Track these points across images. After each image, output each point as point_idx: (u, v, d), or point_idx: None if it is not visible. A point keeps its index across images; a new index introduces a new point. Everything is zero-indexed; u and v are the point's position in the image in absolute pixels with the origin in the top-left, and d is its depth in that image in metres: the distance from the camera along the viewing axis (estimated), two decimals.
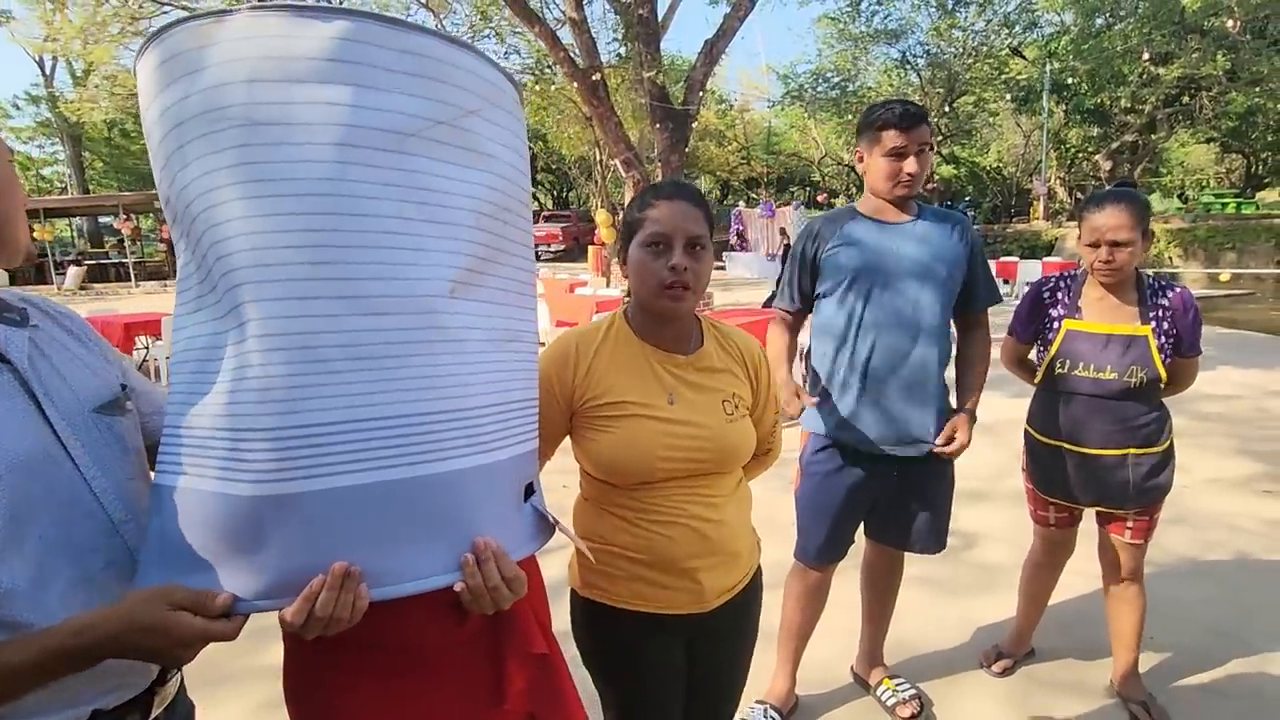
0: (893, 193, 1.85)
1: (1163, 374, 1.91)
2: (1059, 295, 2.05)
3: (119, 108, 12.04)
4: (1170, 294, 1.93)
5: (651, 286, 1.20)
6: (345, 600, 0.74)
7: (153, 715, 0.89)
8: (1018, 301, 2.17)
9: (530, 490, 0.95)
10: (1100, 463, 1.99)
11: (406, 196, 0.79)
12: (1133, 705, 2.11)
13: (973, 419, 1.97)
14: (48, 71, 25.81)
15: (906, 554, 2.17)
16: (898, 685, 2.19)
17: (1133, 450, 1.96)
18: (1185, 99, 20.03)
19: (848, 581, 2.32)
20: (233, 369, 0.74)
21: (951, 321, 1.98)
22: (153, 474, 0.84)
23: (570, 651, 1.17)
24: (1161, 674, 2.29)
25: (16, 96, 27.95)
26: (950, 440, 1.90)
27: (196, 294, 0.81)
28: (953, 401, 2.02)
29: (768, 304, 2.12)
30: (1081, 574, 2.48)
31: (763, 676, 2.17)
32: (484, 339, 0.87)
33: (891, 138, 1.80)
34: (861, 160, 1.91)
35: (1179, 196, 28.47)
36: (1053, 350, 2.01)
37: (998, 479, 4.02)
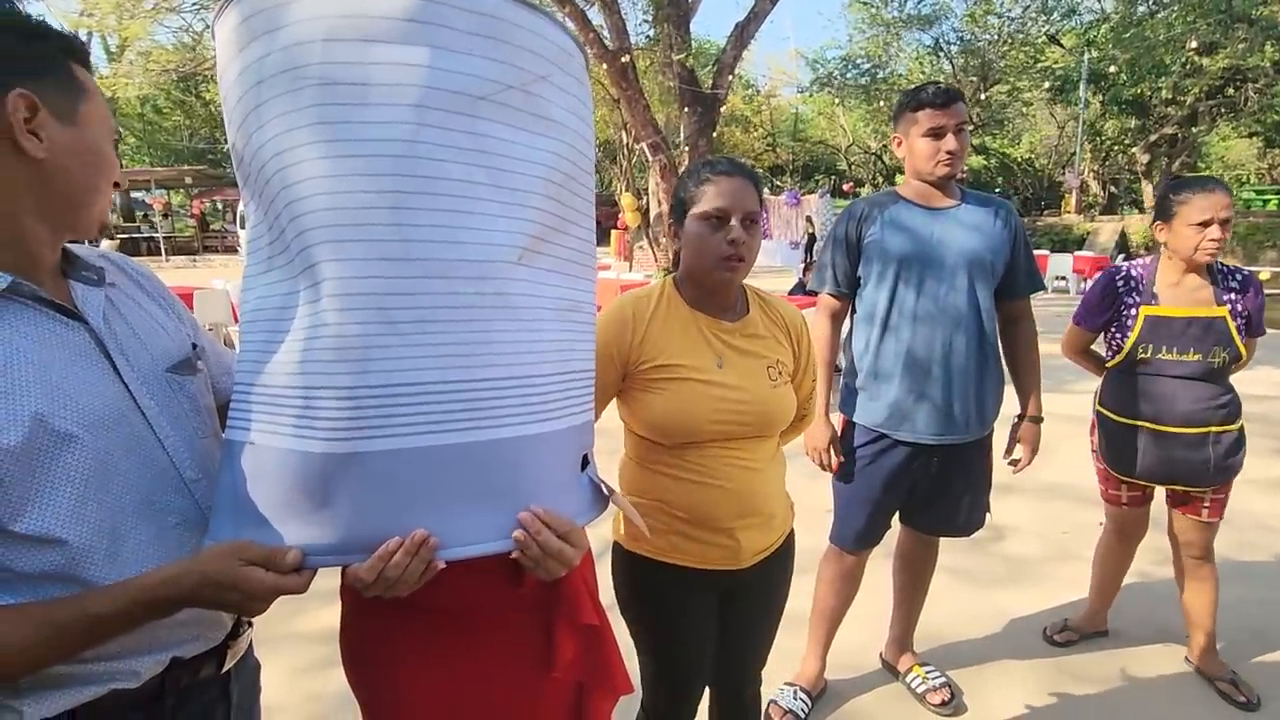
0: (934, 173, 1.83)
1: (1244, 352, 2.02)
2: (1132, 283, 2.13)
3: (153, 83, 12.17)
4: (1239, 277, 2.07)
5: (708, 259, 1.25)
6: (416, 566, 0.75)
7: (226, 667, 0.92)
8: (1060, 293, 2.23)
9: (585, 461, 0.95)
10: (1182, 440, 2.05)
11: (476, 161, 0.78)
12: (1220, 683, 2.14)
13: (1037, 422, 2.00)
14: None
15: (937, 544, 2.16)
16: (928, 673, 2.18)
17: (1214, 428, 2.03)
18: (1229, 91, 19.41)
19: (879, 568, 2.31)
20: (306, 327, 0.75)
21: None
22: (223, 432, 0.85)
23: (607, 599, 1.17)
24: (1187, 668, 2.26)
25: None
26: (1014, 452, 2.01)
27: (267, 254, 0.82)
28: (1005, 392, 2.01)
29: (793, 292, 2.12)
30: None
31: (793, 659, 2.17)
32: (546, 308, 0.87)
33: (928, 117, 1.80)
34: (900, 145, 1.90)
35: None
36: (1133, 336, 2.08)
37: (1027, 472, 3.92)
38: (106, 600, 0.72)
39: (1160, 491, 2.21)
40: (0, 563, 0.71)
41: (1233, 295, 2.03)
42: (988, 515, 2.08)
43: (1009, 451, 2.04)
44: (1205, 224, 1.95)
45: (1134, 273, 2.13)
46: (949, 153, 1.80)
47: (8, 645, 0.69)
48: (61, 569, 0.73)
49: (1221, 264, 2.07)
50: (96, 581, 0.75)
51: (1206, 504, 2.12)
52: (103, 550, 0.75)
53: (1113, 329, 2.16)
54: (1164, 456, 2.07)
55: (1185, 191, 2.00)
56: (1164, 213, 2.04)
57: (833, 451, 1.96)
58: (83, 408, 0.75)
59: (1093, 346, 2.29)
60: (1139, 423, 2.09)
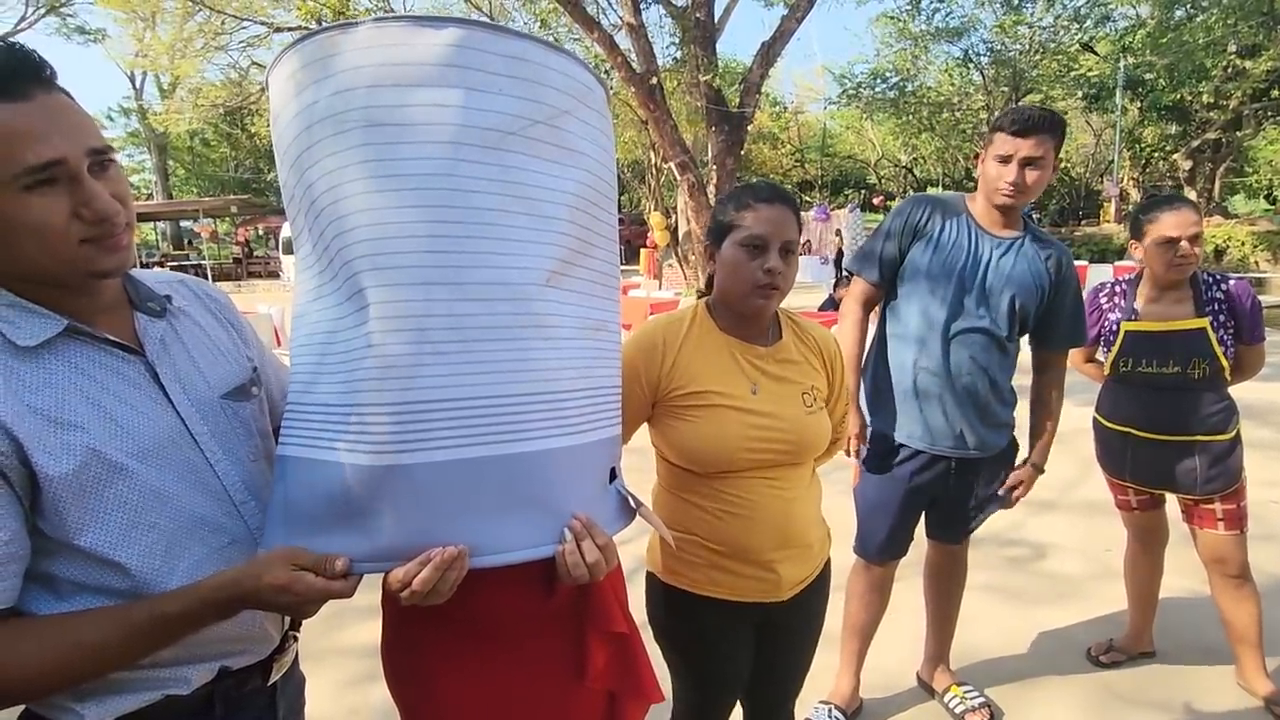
0: (992, 200, 1.79)
1: (1224, 363, 2.01)
2: (1115, 299, 2.17)
3: (201, 118, 12.76)
4: (1225, 286, 2.05)
5: (743, 286, 1.24)
6: (450, 577, 0.80)
7: (271, 680, 0.96)
8: None
9: (613, 474, 0.99)
10: (1168, 448, 2.08)
11: (507, 190, 0.84)
12: (1275, 707, 2.07)
13: (1039, 470, 1.99)
14: (138, 85, 27.50)
15: (974, 562, 2.14)
16: (966, 693, 2.14)
17: (1200, 436, 2.04)
18: (1275, 93, 18.83)
19: (912, 587, 2.29)
20: (354, 349, 0.81)
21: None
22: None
23: (639, 619, 1.19)
24: (1241, 691, 2.19)
25: (110, 109, 29.76)
26: (1013, 489, 1.97)
27: (317, 283, 0.88)
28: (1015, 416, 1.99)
29: (824, 308, 2.13)
30: (1163, 587, 2.38)
31: (827, 676, 2.16)
32: (573, 327, 0.91)
33: (1000, 142, 1.74)
34: (981, 162, 1.86)
35: (1266, 197, 26.76)
36: (1114, 352, 2.13)
37: (1069, 489, 3.88)
38: (176, 601, 0.78)
39: (1175, 509, 2.20)
40: (69, 577, 0.78)
41: (1215, 305, 2.03)
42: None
43: (1004, 485, 1.98)
44: (1173, 241, 1.98)
45: (1118, 289, 2.18)
46: (1010, 183, 1.72)
47: (89, 643, 0.74)
48: (120, 587, 0.79)
49: (1207, 273, 2.07)
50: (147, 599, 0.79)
51: (1220, 516, 2.08)
52: (156, 570, 0.81)
53: (1102, 344, 2.20)
54: (1150, 462, 2.12)
55: (1154, 211, 2.04)
56: (1136, 231, 2.09)
57: (858, 440, 1.93)
58: (134, 439, 0.80)
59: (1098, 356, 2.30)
60: (1127, 429, 2.15)
